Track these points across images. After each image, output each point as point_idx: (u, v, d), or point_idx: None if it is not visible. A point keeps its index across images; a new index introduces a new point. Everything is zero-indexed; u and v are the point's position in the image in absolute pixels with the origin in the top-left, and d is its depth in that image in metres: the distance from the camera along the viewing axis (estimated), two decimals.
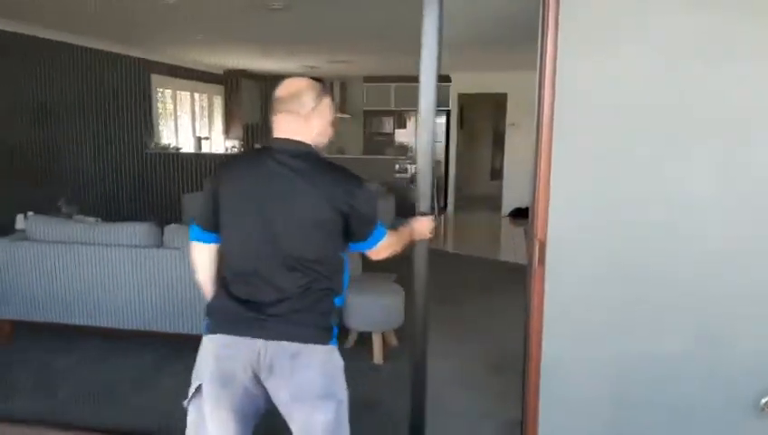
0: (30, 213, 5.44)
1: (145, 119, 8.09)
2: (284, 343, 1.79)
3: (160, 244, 3.90)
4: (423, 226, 2.37)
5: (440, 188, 9.46)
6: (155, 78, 8.12)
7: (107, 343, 3.97)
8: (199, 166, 7.85)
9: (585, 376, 2.37)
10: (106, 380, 3.57)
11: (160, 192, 7.71)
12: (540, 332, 2.39)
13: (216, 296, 1.91)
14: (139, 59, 7.64)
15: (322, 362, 1.84)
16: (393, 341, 4.12)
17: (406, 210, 7.07)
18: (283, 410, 1.85)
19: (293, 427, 1.86)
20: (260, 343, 1.79)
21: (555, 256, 2.32)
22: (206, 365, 1.84)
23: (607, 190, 2.27)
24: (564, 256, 2.32)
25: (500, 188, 10.41)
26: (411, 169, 8.14)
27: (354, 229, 1.89)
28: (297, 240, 1.82)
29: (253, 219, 1.82)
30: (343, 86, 11.15)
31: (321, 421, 1.82)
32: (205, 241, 1.93)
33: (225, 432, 1.83)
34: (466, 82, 10.09)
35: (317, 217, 1.81)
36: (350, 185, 1.86)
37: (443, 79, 10.15)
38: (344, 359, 1.98)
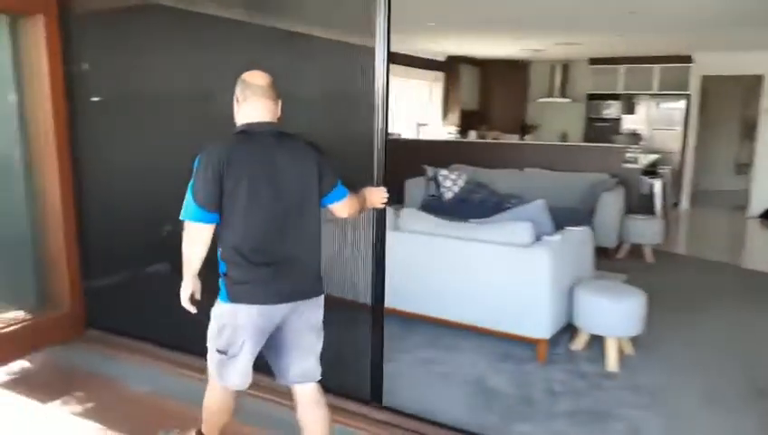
0: None
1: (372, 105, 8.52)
2: (312, 299, 2.30)
3: (396, 227, 4.05)
4: (376, 195, 2.68)
5: (673, 181, 8.52)
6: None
7: (348, 315, 4.21)
8: (419, 152, 8.07)
9: None
10: (346, 347, 3.81)
11: (384, 176, 8.06)
12: None
13: (242, 269, 2.16)
14: (370, 49, 8.04)
15: (322, 302, 2.38)
16: (628, 348, 3.79)
17: (635, 205, 6.53)
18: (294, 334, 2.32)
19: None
20: (293, 304, 2.23)
21: None
22: (250, 324, 2.19)
23: None
24: None
25: (747, 184, 9.09)
26: (643, 159, 7.44)
27: (324, 186, 2.27)
28: (302, 204, 2.21)
29: (267, 194, 2.14)
30: (565, 69, 10.62)
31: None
32: (208, 222, 2.13)
33: (250, 361, 2.25)
34: (712, 62, 8.93)
35: (312, 182, 2.23)
36: (318, 152, 2.28)
37: (682, 60, 9.19)
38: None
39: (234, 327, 2.19)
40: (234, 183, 2.11)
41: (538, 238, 3.69)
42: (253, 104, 2.21)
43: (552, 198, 4.30)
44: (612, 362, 3.62)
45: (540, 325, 3.60)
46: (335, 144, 2.79)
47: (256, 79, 2.24)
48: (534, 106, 10.97)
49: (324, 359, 2.47)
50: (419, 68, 9.52)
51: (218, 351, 2.25)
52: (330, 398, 2.52)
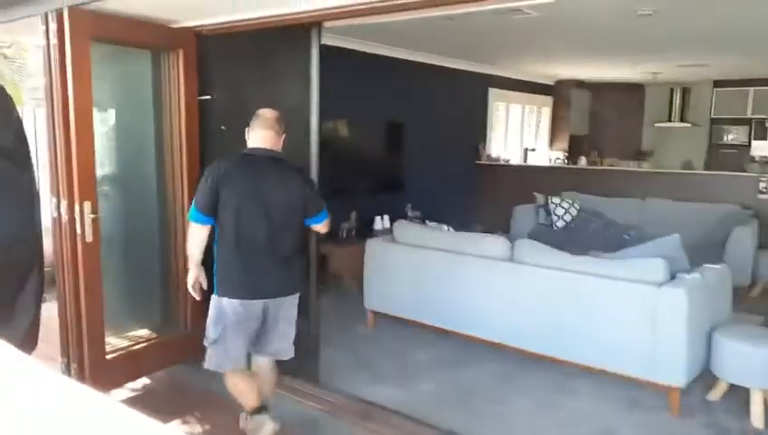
0: (385, 216, 6.06)
1: (479, 131, 8.40)
2: (289, 297, 2.77)
3: (510, 258, 3.89)
4: None
5: None
6: (491, 92, 8.37)
7: (459, 347, 4.12)
8: (526, 178, 7.83)
9: None
10: (459, 383, 3.69)
11: (489, 203, 7.91)
12: None
13: (229, 268, 2.66)
14: (479, 74, 7.96)
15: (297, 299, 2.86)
16: None
17: None
18: (272, 322, 2.78)
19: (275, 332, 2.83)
20: (268, 301, 2.71)
21: None
22: (231, 313, 2.66)
23: None
24: None
25: None
26: None
27: (310, 209, 2.76)
28: (285, 218, 2.69)
29: (255, 206, 2.61)
30: (685, 92, 9.95)
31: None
32: (204, 223, 2.65)
33: (241, 345, 2.72)
34: None
35: (295, 202, 2.71)
36: (307, 182, 2.86)
37: None
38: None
39: (221, 316, 2.66)
40: (227, 195, 2.60)
41: (672, 276, 3.39)
42: (257, 133, 2.70)
43: (674, 231, 3.96)
44: (757, 416, 3.23)
45: (674, 372, 3.28)
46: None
47: (265, 113, 2.74)
48: (650, 131, 10.36)
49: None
50: (527, 92, 9.29)
51: (212, 341, 2.71)
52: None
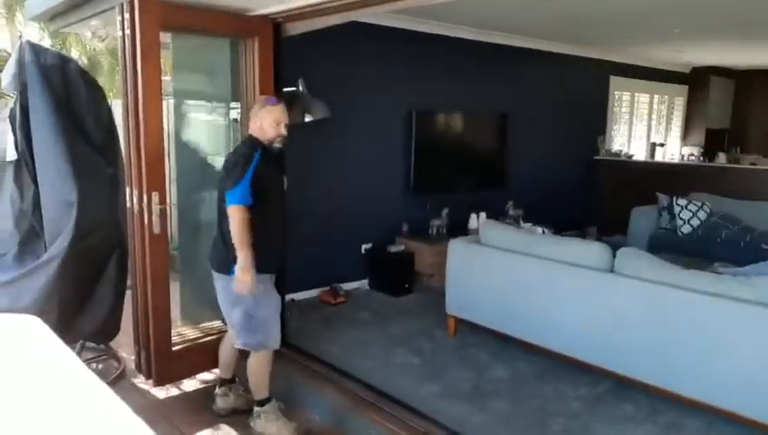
0: (482, 213, 5.68)
1: (597, 123, 7.70)
2: (215, 272, 2.91)
3: (611, 269, 3.40)
4: None
5: None
6: (613, 80, 7.63)
7: (543, 364, 3.70)
8: (651, 176, 7.04)
9: None
10: (539, 405, 3.29)
11: (604, 202, 7.23)
12: None
13: None
14: (598, 60, 7.27)
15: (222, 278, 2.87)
16: None
17: None
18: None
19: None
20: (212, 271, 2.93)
21: None
22: None
23: None
24: None
25: None
26: None
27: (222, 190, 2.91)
28: (220, 198, 2.82)
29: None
30: None
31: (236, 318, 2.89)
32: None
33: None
34: None
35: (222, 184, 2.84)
36: (228, 157, 2.94)
37: None
38: None
39: None
40: None
41: None
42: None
43: None
44: None
45: None
46: None
47: (260, 100, 3.00)
48: None
49: None
50: (657, 81, 8.38)
51: None
52: None
